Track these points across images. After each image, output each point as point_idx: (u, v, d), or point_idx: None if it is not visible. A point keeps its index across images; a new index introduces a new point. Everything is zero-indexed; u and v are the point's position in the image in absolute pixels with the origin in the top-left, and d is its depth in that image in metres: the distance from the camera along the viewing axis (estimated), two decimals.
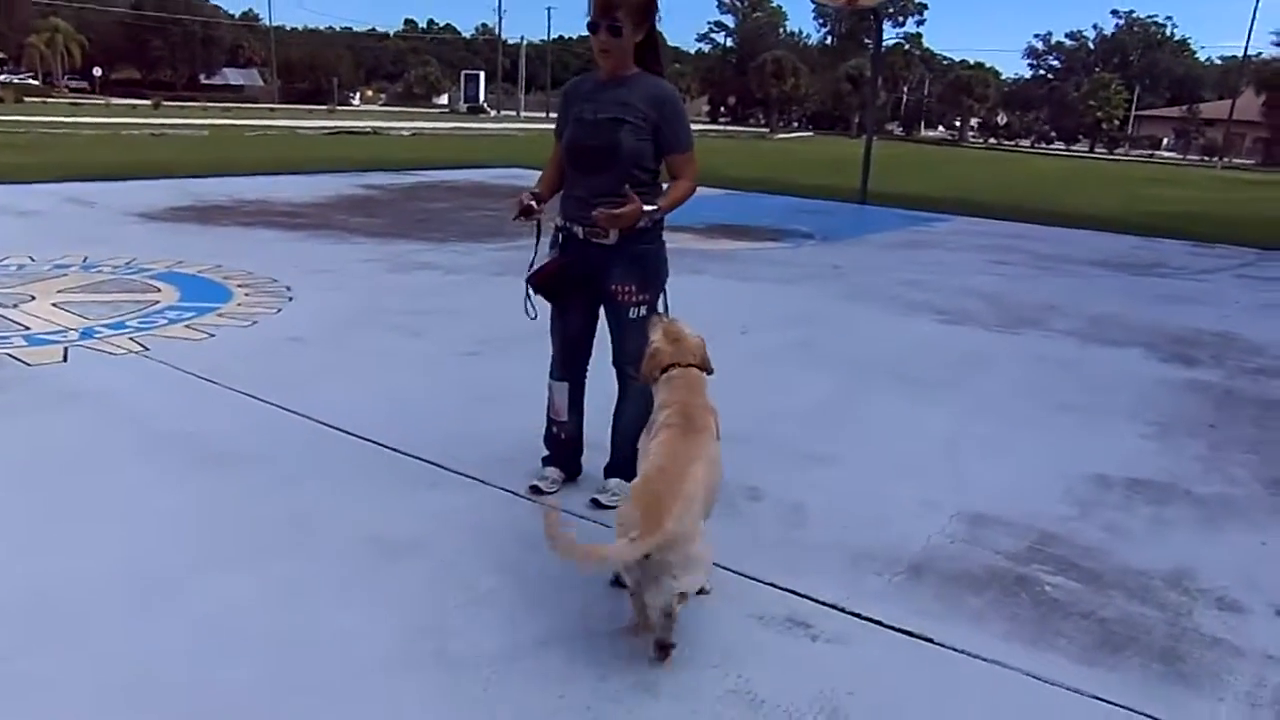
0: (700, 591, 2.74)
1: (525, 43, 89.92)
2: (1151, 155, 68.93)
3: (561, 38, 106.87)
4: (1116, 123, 77.79)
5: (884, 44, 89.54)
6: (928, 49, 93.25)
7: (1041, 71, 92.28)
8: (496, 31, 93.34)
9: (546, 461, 3.84)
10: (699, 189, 3.53)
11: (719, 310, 7.30)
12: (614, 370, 3.65)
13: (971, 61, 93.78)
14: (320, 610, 2.86)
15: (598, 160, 3.37)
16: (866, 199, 16.15)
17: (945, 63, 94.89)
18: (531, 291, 3.58)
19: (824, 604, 2.98)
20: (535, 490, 3.71)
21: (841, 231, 12.35)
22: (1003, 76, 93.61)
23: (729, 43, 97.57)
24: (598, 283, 3.52)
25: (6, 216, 10.36)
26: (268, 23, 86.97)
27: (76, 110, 43.53)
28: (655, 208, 3.34)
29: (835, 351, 6.28)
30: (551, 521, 2.58)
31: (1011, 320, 7.44)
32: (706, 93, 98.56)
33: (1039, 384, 5.75)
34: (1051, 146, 78.51)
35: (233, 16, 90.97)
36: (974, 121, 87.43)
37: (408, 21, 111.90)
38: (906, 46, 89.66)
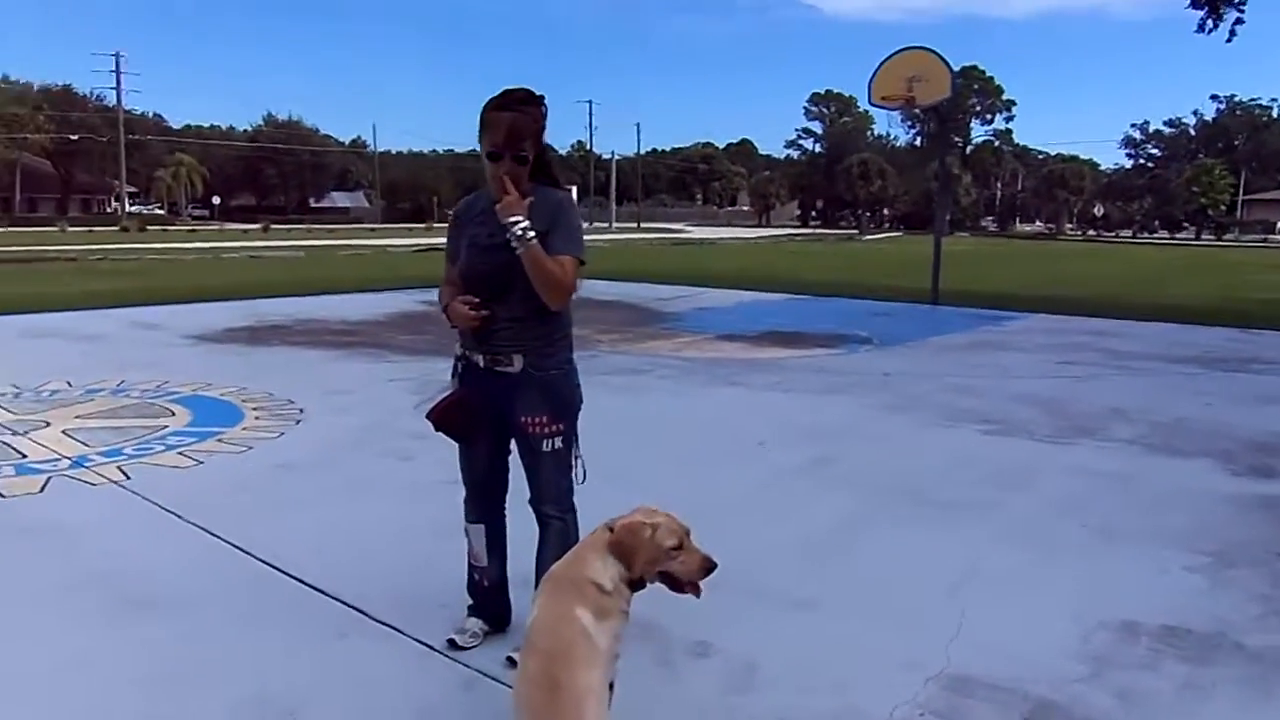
0: None
1: (616, 157, 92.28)
2: (1265, 240, 66.00)
3: (654, 150, 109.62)
4: (1223, 208, 75.19)
5: (973, 141, 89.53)
6: (1020, 144, 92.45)
7: (1141, 160, 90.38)
8: (588, 147, 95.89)
9: (472, 611, 3.44)
10: (588, 288, 3.17)
11: (743, 426, 6.88)
12: (531, 510, 3.26)
13: (1067, 154, 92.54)
14: None
15: (496, 285, 3.07)
16: (939, 299, 15.54)
17: (1040, 157, 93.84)
18: (433, 429, 3.25)
19: None
20: (452, 644, 3.31)
21: (903, 335, 11.78)
22: (1101, 167, 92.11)
23: (817, 148, 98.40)
24: (505, 415, 3.17)
25: (67, 341, 10.62)
26: (373, 148, 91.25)
27: (192, 236, 46.08)
28: (530, 236, 2.95)
29: (855, 470, 5.74)
30: None
31: (1065, 429, 6.78)
32: (796, 197, 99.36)
33: (1081, 504, 5.10)
34: (1154, 236, 76.10)
35: (342, 144, 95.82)
36: (1073, 213, 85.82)
37: None
38: (996, 143, 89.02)
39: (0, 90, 67.46)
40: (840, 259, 33.04)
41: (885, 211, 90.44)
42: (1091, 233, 78.46)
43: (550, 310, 3.10)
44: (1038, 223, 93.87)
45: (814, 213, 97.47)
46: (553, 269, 3.00)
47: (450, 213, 3.39)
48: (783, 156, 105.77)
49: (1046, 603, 3.79)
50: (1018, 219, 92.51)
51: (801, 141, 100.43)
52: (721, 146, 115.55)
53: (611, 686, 2.50)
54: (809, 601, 3.76)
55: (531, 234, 2.96)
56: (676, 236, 56.05)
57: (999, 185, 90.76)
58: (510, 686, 2.91)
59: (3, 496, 5.08)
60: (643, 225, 78.33)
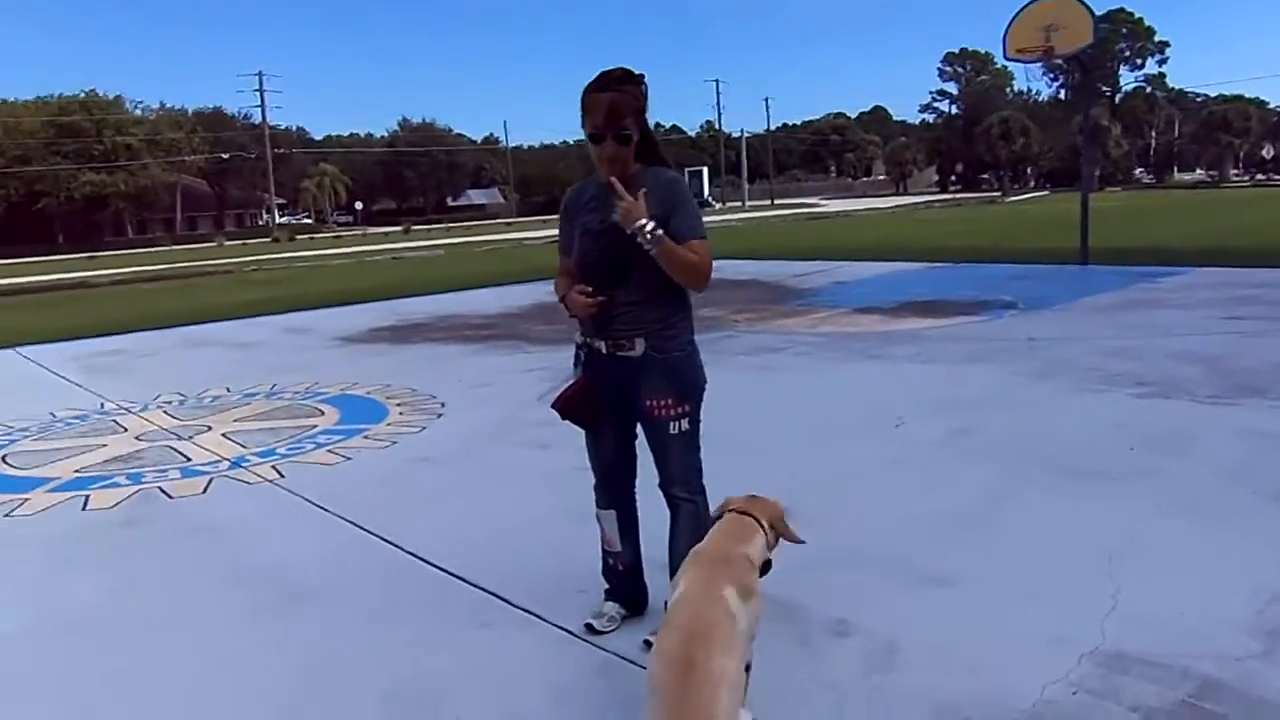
0: None
1: (745, 134, 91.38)
2: None
3: (785, 125, 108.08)
4: None
5: (1122, 89, 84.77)
6: (1176, 88, 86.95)
7: None
8: (717, 126, 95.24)
9: (608, 595, 3.46)
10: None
11: (880, 400, 6.71)
12: (661, 494, 3.25)
13: (1229, 94, 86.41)
14: None
15: (614, 272, 3.06)
16: (1089, 258, 14.79)
17: (1198, 100, 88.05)
18: (559, 418, 3.27)
19: None
20: (589, 629, 3.34)
21: (1049, 298, 11.25)
22: (1270, 105, 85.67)
23: (954, 110, 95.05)
24: (630, 400, 3.17)
25: (225, 349, 11.23)
26: (506, 144, 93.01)
27: (338, 243, 47.97)
28: (659, 234, 2.94)
29: (998, 441, 5.51)
30: None
31: (1231, 388, 6.34)
32: (934, 162, 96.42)
33: (1251, 468, 4.75)
34: None
35: (475, 142, 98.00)
36: (1239, 158, 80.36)
37: None
38: (1149, 89, 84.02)
39: (159, 117, 71.70)
40: (981, 223, 31.87)
41: (1029, 170, 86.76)
42: (1260, 177, 73.31)
43: (669, 292, 3.08)
44: (1198, 171, 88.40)
45: (953, 177, 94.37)
46: (689, 258, 3.00)
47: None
48: (918, 121, 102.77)
49: (1213, 575, 3.55)
50: (1175, 168, 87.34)
51: (937, 104, 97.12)
52: (854, 116, 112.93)
53: (748, 668, 2.48)
54: (950, 577, 3.63)
55: (660, 231, 2.95)
56: (811, 211, 55.20)
57: (1153, 134, 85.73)
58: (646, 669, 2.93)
59: (169, 498, 5.41)
60: (776, 202, 77.48)
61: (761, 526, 2.70)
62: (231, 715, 3.01)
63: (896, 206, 57.12)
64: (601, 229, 3.09)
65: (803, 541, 2.80)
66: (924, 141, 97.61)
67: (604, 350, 3.18)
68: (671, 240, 2.98)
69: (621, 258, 3.05)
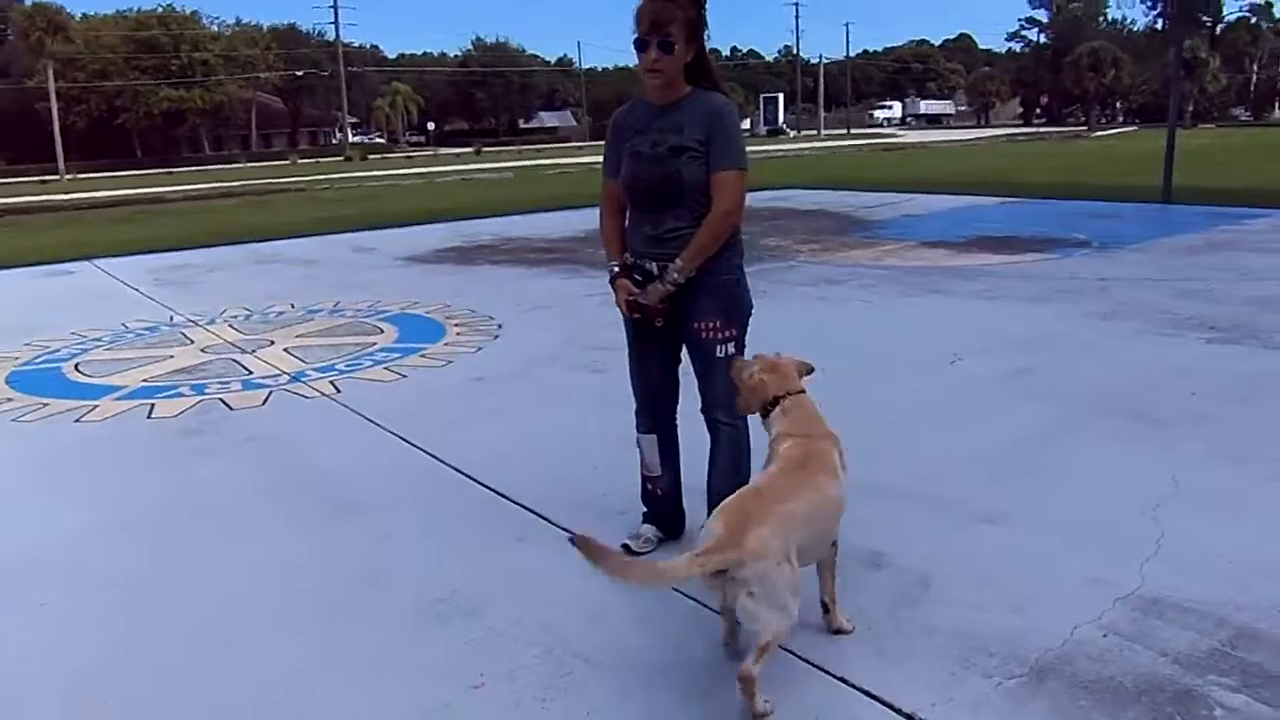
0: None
1: (823, 60, 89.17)
2: None
3: (865, 51, 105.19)
4: None
5: (1225, 19, 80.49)
6: None
7: None
8: (795, 51, 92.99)
9: (646, 518, 3.50)
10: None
11: (940, 335, 6.61)
12: (703, 418, 3.27)
13: None
14: (347, 684, 2.71)
15: (662, 196, 3.06)
16: (1172, 198, 14.25)
17: None
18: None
19: (897, 711, 2.43)
20: (625, 549, 3.38)
21: (1126, 237, 10.89)
22: None
23: (1042, 39, 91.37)
24: (677, 322, 3.17)
25: (292, 265, 11.44)
26: (579, 66, 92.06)
27: (410, 163, 48.17)
28: (675, 277, 3.08)
29: (1059, 382, 5.39)
30: (590, 548, 2.43)
31: None
32: (1018, 94, 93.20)
33: None
34: None
35: (548, 63, 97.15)
36: None
37: (712, 51, 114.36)
38: (1253, 19, 79.70)
39: (235, 34, 72.17)
40: (1063, 158, 30.82)
41: (1118, 105, 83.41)
42: None
43: None
44: None
45: (1038, 110, 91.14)
46: (704, 241, 3.05)
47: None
48: (1004, 50, 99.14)
49: (1262, 524, 3.47)
50: (1277, 106, 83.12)
51: (1025, 32, 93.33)
52: (938, 43, 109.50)
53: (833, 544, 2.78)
54: (993, 515, 3.60)
55: (672, 275, 3.08)
56: (888, 141, 53.87)
57: (1255, 68, 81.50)
58: (688, 597, 2.98)
59: (230, 409, 5.57)
60: (852, 131, 75.71)
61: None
62: (277, 616, 3.13)
63: (978, 138, 55.46)
64: (653, 153, 3.07)
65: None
66: (1009, 72, 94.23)
67: (655, 271, 3.18)
68: (710, 164, 3.02)
69: (671, 182, 3.05)
